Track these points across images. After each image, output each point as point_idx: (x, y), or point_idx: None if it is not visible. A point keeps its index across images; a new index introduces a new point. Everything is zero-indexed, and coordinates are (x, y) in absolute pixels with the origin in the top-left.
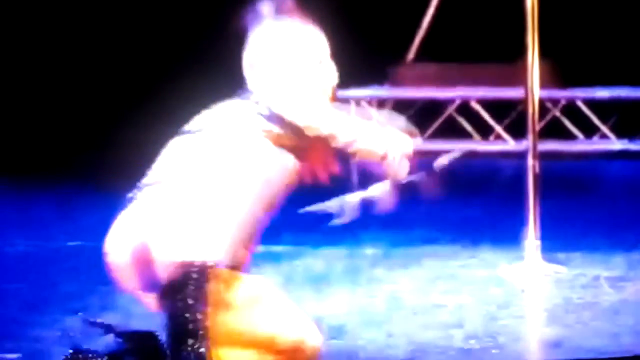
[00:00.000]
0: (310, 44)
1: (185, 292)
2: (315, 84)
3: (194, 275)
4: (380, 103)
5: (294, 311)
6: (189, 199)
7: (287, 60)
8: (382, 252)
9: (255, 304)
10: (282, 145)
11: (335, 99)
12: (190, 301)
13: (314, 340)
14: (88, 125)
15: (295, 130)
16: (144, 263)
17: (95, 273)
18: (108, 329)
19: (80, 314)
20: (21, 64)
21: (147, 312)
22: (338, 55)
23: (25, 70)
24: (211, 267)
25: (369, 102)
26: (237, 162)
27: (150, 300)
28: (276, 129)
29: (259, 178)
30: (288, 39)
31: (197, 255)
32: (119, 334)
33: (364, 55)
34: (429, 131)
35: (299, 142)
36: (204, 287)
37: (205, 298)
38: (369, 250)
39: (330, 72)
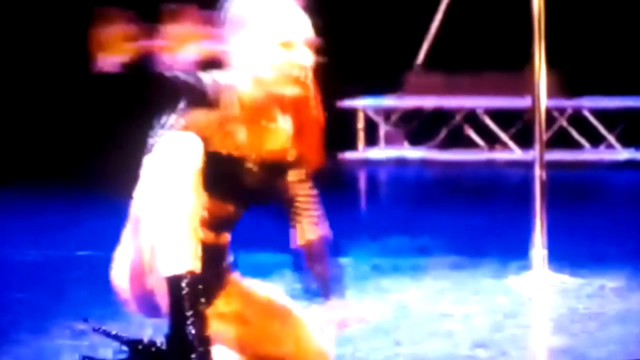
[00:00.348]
0: (285, 21)
1: (181, 305)
2: (277, 62)
3: (185, 288)
4: (388, 113)
5: (311, 325)
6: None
7: (255, 29)
8: (389, 261)
9: (271, 317)
10: (210, 135)
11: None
12: (188, 313)
13: (330, 356)
14: (97, 131)
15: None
16: (141, 288)
17: (104, 282)
18: (116, 337)
19: (89, 321)
20: (29, 69)
21: (155, 321)
22: (345, 66)
23: (34, 77)
24: (186, 276)
25: (376, 112)
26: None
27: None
28: (193, 117)
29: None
30: (264, 9)
31: (170, 269)
32: (127, 343)
33: (372, 65)
34: (436, 140)
35: (221, 121)
36: (197, 298)
37: (200, 308)
38: (376, 260)
39: (302, 56)
